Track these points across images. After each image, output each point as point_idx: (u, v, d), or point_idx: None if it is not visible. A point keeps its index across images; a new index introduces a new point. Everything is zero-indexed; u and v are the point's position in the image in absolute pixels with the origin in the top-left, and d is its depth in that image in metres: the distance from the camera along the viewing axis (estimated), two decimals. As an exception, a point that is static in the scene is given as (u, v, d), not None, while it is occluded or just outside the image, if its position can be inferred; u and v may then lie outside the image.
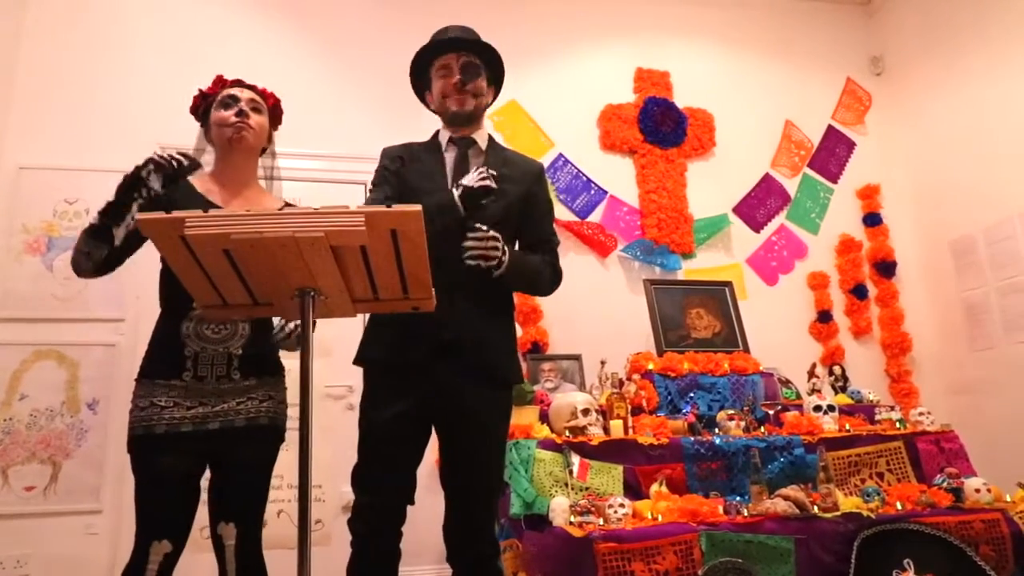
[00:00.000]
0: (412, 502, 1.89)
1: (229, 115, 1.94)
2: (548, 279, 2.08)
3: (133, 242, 1.83)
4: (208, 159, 2.03)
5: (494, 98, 2.16)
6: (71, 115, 3.62)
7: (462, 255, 1.81)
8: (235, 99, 1.97)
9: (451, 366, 1.84)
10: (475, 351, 1.87)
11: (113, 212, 1.76)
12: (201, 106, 2.02)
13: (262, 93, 2.05)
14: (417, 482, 1.91)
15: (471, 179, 1.82)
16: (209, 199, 1.91)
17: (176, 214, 1.31)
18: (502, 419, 1.97)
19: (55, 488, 3.20)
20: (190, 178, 1.96)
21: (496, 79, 2.13)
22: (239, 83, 2.03)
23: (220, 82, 2.04)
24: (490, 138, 2.12)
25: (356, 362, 1.97)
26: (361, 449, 1.90)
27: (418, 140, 2.15)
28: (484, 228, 1.83)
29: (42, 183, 3.50)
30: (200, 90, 2.03)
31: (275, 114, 2.08)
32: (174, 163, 1.79)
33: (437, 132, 2.13)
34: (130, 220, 1.77)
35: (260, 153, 2.05)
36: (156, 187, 1.77)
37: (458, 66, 2.02)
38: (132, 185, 1.76)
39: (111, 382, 3.30)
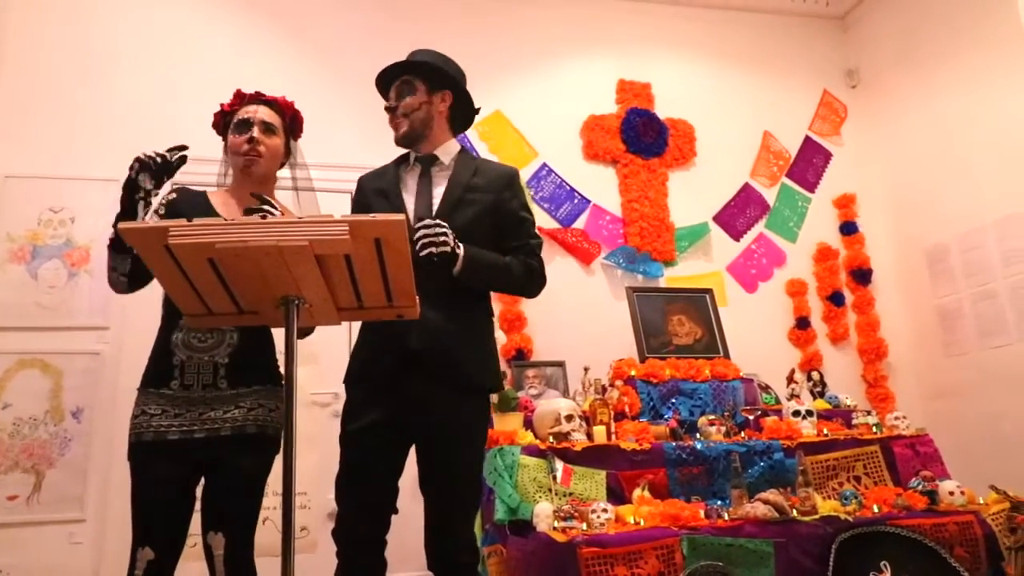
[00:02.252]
0: (394, 511, 1.90)
1: (241, 141, 1.96)
2: (521, 275, 2.02)
3: None
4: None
5: (454, 101, 2.11)
6: (56, 124, 3.61)
7: (417, 252, 1.78)
8: (248, 124, 1.97)
9: (420, 376, 1.86)
10: (443, 359, 1.88)
11: (121, 222, 1.76)
12: (221, 123, 2.05)
13: (280, 106, 2.05)
14: (399, 492, 1.92)
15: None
16: (219, 214, 1.92)
17: (160, 223, 1.32)
18: (476, 426, 1.97)
19: (38, 497, 3.18)
20: (208, 193, 2.00)
21: (443, 81, 2.08)
22: (256, 97, 2.04)
23: (239, 96, 2.04)
24: (461, 150, 2.13)
25: (344, 382, 2.02)
26: (340, 461, 1.92)
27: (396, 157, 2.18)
28: (434, 220, 1.85)
29: (27, 191, 3.49)
30: (221, 105, 2.05)
31: (293, 126, 2.09)
32: (157, 159, 1.79)
33: (409, 152, 2.14)
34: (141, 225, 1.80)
35: (279, 166, 2.07)
36: (148, 187, 1.78)
37: (393, 92, 2.07)
38: (130, 190, 1.78)
39: (95, 391, 3.29)
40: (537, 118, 4.31)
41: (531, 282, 2.08)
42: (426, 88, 2.06)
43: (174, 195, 1.97)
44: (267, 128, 1.99)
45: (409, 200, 2.02)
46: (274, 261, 1.32)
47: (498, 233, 2.03)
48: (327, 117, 3.97)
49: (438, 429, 1.88)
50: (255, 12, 4.08)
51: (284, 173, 2.12)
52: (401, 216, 1.33)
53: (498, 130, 4.24)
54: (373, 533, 1.86)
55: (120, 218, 1.77)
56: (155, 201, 1.84)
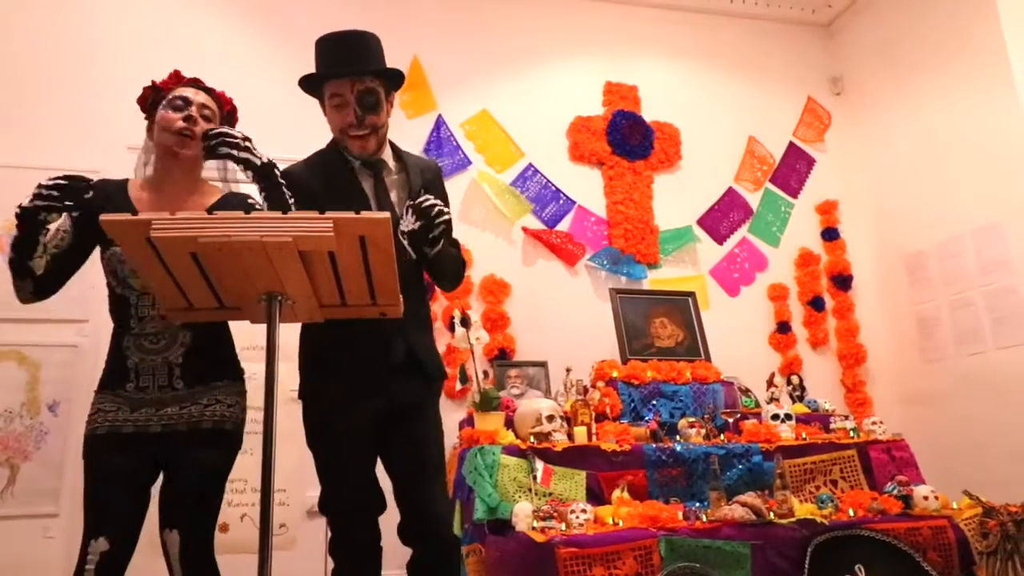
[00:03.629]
0: (383, 510, 1.91)
1: (176, 118, 1.81)
2: (460, 271, 2.14)
3: (67, 263, 1.83)
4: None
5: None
6: (36, 114, 3.56)
7: (427, 229, 1.84)
8: (186, 102, 1.84)
9: (401, 377, 1.90)
10: (421, 358, 1.94)
11: (21, 248, 1.73)
12: (151, 98, 1.88)
13: (219, 97, 1.93)
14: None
15: (408, 223, 1.84)
16: (136, 208, 1.81)
17: (143, 216, 1.31)
18: (438, 413, 2.05)
19: (12, 491, 3.14)
20: (128, 184, 1.90)
21: (398, 83, 2.01)
22: (195, 82, 1.91)
23: (176, 76, 1.91)
24: (393, 148, 2.06)
25: (301, 397, 1.96)
26: (323, 475, 1.91)
27: (316, 154, 2.05)
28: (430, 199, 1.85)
29: (5, 182, 3.42)
30: (153, 82, 1.90)
31: (230, 120, 1.96)
32: (60, 198, 1.68)
33: (337, 145, 2.00)
34: (44, 249, 1.76)
35: (206, 157, 1.90)
36: (51, 226, 1.75)
37: (354, 96, 1.88)
38: (32, 223, 1.70)
39: (73, 384, 3.25)
40: (523, 118, 4.32)
41: (460, 277, 2.17)
42: (385, 94, 1.95)
43: (90, 193, 1.76)
44: (205, 113, 1.86)
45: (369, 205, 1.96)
46: (257, 257, 1.31)
47: None
48: (309, 114, 3.92)
49: (416, 422, 1.92)
50: (241, 8, 4.05)
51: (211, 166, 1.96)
52: (386, 214, 1.32)
53: (484, 129, 4.24)
54: (370, 538, 1.88)
55: (15, 246, 1.73)
56: (52, 228, 1.77)
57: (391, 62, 2.03)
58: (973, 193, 3.94)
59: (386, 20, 4.18)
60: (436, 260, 1.95)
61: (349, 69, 1.89)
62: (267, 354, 1.40)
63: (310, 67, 1.99)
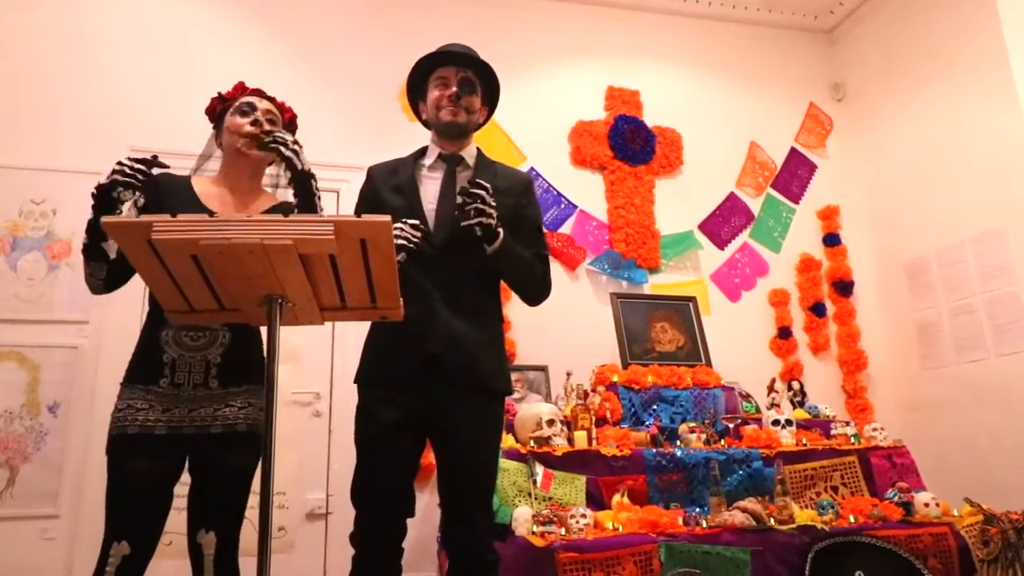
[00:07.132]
0: (412, 514, 1.90)
1: (244, 123, 1.94)
2: (538, 277, 2.05)
3: None
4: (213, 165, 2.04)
5: (487, 118, 2.19)
6: (39, 115, 3.58)
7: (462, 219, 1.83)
8: (252, 107, 1.97)
9: (439, 379, 1.86)
10: (462, 363, 1.88)
11: (96, 229, 1.75)
12: (218, 108, 2.02)
13: (280, 106, 2.06)
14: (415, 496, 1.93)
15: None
16: (206, 204, 1.90)
17: (143, 218, 1.30)
18: (494, 430, 1.98)
19: (11, 492, 3.14)
20: (192, 181, 1.97)
21: (491, 99, 2.17)
22: (259, 92, 2.04)
23: (240, 88, 2.04)
24: (479, 152, 2.15)
25: (355, 381, 1.99)
26: (358, 463, 1.90)
27: (399, 152, 2.17)
28: (485, 185, 1.85)
29: (8, 182, 3.45)
30: (219, 93, 2.04)
31: (290, 128, 2.10)
32: (139, 175, 1.73)
33: (426, 147, 2.14)
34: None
35: (269, 163, 2.06)
36: (129, 201, 1.76)
37: (456, 79, 2.05)
38: (106, 204, 1.73)
39: (73, 385, 3.24)
40: (526, 123, 4.32)
41: (542, 287, 2.10)
42: (481, 96, 2.12)
43: (164, 168, 1.93)
44: (270, 118, 2.00)
45: (428, 198, 2.01)
46: (258, 259, 1.30)
47: (514, 239, 2.01)
48: (311, 116, 3.94)
49: (458, 433, 1.87)
50: (243, 8, 4.06)
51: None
52: (387, 217, 1.32)
53: (487, 134, 4.22)
54: (392, 537, 1.86)
55: (90, 228, 1.75)
56: (124, 208, 1.81)
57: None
58: (974, 199, 3.94)
59: (388, 26, 4.20)
60: (495, 259, 1.90)
61: (458, 57, 2.08)
62: (267, 356, 1.40)
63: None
